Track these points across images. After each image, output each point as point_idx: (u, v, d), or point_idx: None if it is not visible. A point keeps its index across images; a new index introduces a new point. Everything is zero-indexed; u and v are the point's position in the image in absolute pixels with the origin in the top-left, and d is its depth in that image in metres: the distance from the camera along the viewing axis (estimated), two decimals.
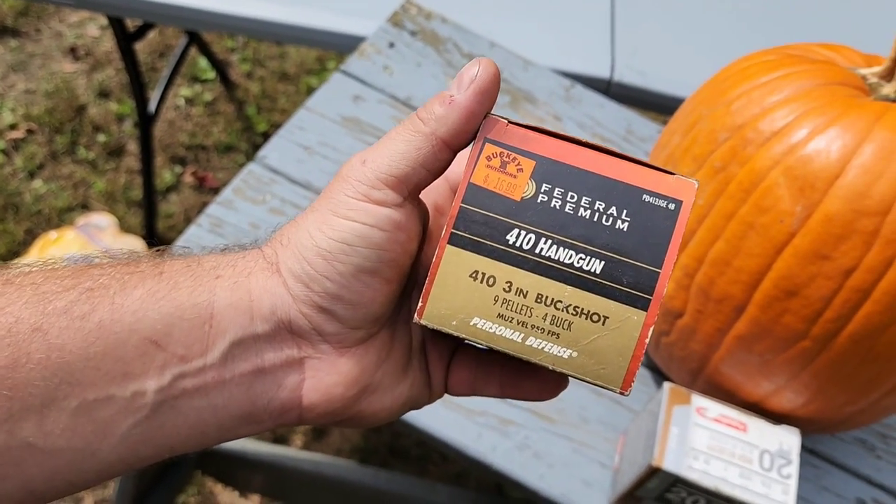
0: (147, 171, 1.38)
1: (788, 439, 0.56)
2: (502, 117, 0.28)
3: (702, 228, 0.56)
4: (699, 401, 0.57)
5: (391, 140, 0.28)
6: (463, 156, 0.30)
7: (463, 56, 0.88)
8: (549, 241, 0.27)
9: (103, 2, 1.05)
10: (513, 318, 0.27)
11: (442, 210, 0.32)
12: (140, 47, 1.74)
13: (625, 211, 0.27)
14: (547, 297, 0.27)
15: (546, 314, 0.27)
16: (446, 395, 0.43)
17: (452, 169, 0.32)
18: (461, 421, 0.65)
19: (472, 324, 0.27)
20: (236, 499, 1.24)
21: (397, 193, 0.28)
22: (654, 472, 0.55)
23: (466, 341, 0.29)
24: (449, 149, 0.28)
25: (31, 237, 1.48)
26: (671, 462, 0.54)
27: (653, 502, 0.59)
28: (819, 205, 0.51)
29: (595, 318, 0.27)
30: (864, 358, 0.53)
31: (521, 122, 0.28)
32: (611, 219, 0.27)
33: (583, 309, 0.27)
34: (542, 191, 0.28)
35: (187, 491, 1.23)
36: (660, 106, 1.01)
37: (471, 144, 0.28)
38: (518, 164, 0.28)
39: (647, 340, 0.27)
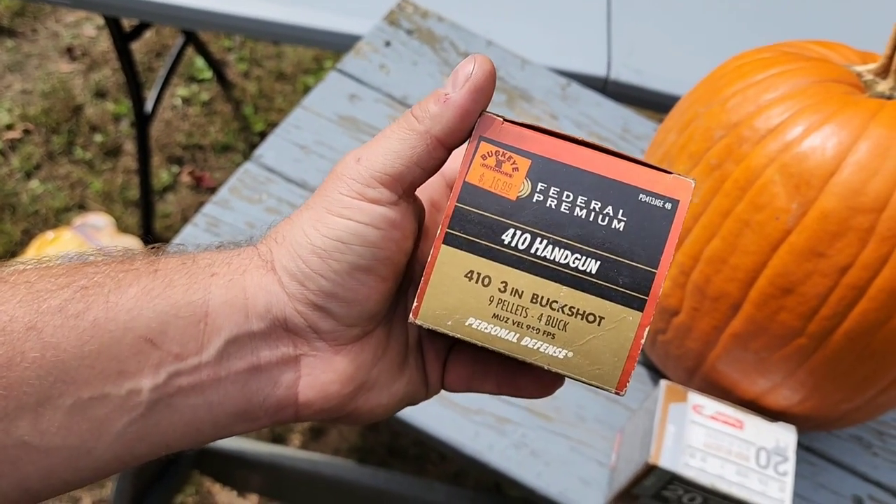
0: (144, 170, 1.37)
1: (785, 436, 0.56)
2: (498, 115, 0.28)
3: (698, 226, 0.57)
4: (696, 398, 0.57)
5: (386, 138, 0.28)
6: (459, 151, 0.30)
7: (459, 55, 0.88)
8: (545, 241, 0.27)
9: (100, 1, 1.05)
10: (508, 319, 0.27)
11: (438, 206, 0.32)
12: (136, 47, 1.74)
13: (621, 210, 0.27)
14: (542, 297, 0.27)
15: (541, 314, 0.27)
16: (442, 393, 0.43)
17: (448, 164, 0.31)
18: (458, 419, 0.65)
19: (467, 324, 0.27)
20: (234, 498, 1.24)
21: (392, 192, 0.27)
22: (650, 469, 0.55)
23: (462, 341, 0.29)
24: (444, 147, 0.28)
25: (27, 237, 1.48)
26: (668, 460, 0.54)
27: (650, 500, 0.59)
28: (815, 202, 0.51)
29: (591, 318, 0.27)
30: (860, 355, 0.53)
31: (516, 120, 0.28)
32: (607, 218, 0.27)
33: (578, 309, 0.27)
34: (538, 190, 0.27)
35: (185, 491, 1.23)
36: (656, 104, 1.01)
37: (466, 142, 0.28)
38: (513, 162, 0.28)
39: (643, 341, 0.27)
